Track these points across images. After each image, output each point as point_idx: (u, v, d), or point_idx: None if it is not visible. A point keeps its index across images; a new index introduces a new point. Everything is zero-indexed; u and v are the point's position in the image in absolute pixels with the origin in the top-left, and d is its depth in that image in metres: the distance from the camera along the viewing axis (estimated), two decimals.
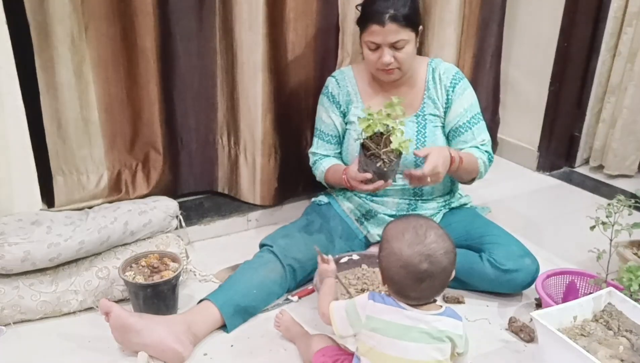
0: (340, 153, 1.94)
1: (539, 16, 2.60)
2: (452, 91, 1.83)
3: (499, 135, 2.89)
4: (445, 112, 1.84)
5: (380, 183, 1.59)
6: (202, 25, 2.01)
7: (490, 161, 1.86)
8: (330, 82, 1.92)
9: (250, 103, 2.08)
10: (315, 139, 1.96)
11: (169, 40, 1.98)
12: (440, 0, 2.37)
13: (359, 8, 1.79)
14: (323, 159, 1.93)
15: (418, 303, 1.24)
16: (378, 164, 1.54)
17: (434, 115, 1.84)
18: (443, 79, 1.83)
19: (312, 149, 1.97)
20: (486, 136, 1.86)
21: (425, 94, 1.84)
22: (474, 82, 2.61)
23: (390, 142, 1.52)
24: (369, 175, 1.58)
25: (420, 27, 1.78)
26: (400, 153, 1.55)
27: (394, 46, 1.72)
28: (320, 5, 2.11)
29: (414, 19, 1.73)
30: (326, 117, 1.91)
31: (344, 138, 1.92)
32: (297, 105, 2.21)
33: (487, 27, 2.58)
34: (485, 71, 2.68)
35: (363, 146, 1.57)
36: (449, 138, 1.86)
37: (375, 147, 1.54)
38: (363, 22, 1.74)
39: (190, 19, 1.99)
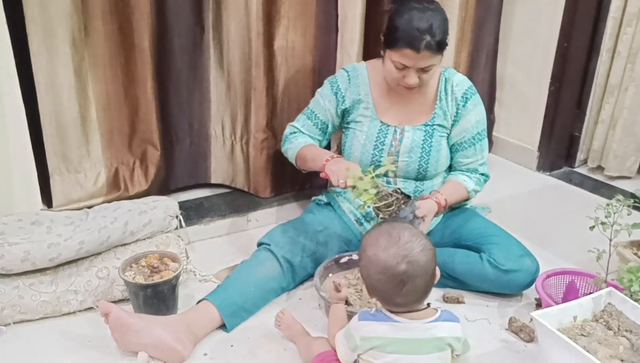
0: (320, 141, 1.93)
1: (539, 16, 2.60)
2: (464, 106, 1.81)
3: (499, 135, 2.90)
4: (452, 125, 1.83)
5: None
6: (196, 22, 2.02)
7: (485, 181, 1.91)
8: (341, 74, 1.89)
9: (244, 97, 2.10)
10: (301, 116, 1.93)
11: (165, 36, 1.99)
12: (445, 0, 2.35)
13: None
14: (303, 135, 1.91)
15: (408, 310, 1.23)
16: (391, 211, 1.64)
17: (442, 126, 1.83)
18: (455, 91, 1.82)
19: (293, 123, 1.94)
20: (486, 153, 1.89)
21: (437, 105, 1.83)
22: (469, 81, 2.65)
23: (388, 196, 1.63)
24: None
25: None
26: (408, 196, 1.68)
27: (422, 69, 1.69)
28: (321, 5, 2.11)
29: (446, 43, 1.68)
30: (322, 102, 1.89)
31: (333, 130, 1.93)
32: (294, 101, 2.21)
33: (483, 26, 2.58)
34: (480, 70, 2.69)
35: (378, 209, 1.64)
36: (452, 150, 1.87)
37: (385, 209, 1.63)
38: (394, 41, 1.66)
39: (185, 15, 2.00)
